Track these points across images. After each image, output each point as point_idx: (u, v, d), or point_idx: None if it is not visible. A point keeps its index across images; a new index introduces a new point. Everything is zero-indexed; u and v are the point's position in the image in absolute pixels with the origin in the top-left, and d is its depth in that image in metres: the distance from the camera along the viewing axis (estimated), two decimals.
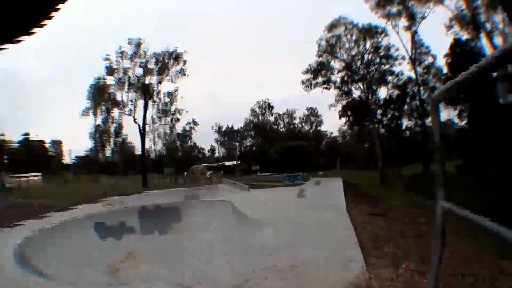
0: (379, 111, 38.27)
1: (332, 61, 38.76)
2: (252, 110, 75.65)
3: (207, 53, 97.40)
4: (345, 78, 38.47)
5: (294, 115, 77.38)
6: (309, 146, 63.32)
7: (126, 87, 40.14)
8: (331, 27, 37.61)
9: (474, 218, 1.53)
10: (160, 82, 41.20)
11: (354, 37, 37.60)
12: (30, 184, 37.31)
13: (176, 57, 41.29)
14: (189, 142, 67.26)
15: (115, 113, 44.26)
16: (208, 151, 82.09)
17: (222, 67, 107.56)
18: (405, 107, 38.17)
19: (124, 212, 12.18)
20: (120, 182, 38.72)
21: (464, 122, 26.36)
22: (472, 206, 1.63)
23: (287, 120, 77.62)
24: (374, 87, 38.34)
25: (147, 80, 40.28)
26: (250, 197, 17.60)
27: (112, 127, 49.84)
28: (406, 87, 37.54)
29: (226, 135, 77.78)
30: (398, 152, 36.60)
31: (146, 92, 39.92)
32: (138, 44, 39.64)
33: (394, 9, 33.96)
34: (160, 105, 43.27)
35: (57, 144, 67.91)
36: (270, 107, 76.27)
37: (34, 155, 57.58)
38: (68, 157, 66.48)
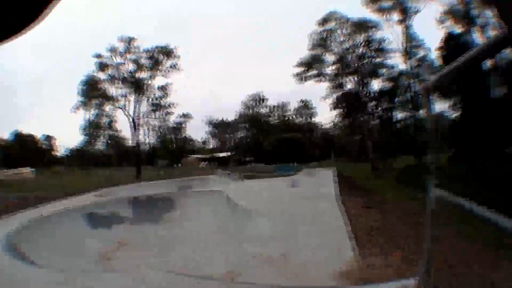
0: (372, 104, 38.37)
1: (325, 54, 38.75)
2: (244, 103, 75.45)
3: (207, 53, 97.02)
4: (338, 71, 38.50)
5: (288, 107, 77.34)
6: (302, 138, 63.38)
7: (118, 82, 40.19)
8: (324, 21, 37.51)
9: (464, 204, 1.55)
10: (152, 77, 41.23)
11: (346, 31, 37.60)
12: (23, 177, 37.15)
13: (168, 52, 41.24)
14: (182, 134, 67.03)
15: (107, 107, 44.23)
16: (201, 142, 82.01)
17: (222, 67, 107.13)
18: (398, 99, 38.26)
19: (116, 202, 12.17)
20: (113, 174, 38.59)
21: (456, 114, 26.47)
22: (462, 196, 1.65)
23: (280, 112, 77.48)
24: (366, 79, 38.39)
25: (139, 76, 40.30)
26: (243, 187, 17.59)
27: (104, 121, 49.61)
28: (399, 80, 37.60)
29: (218, 127, 77.63)
30: (390, 144, 36.73)
31: (138, 87, 39.93)
32: (130, 41, 39.63)
33: (386, 4, 33.93)
34: (153, 99, 43.34)
35: (49, 138, 67.62)
36: (263, 99, 76.09)
37: (27, 149, 57.46)
38: (60, 150, 66.34)
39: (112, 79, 40.27)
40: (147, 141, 57.46)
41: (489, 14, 25.71)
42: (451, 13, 29.01)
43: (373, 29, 36.47)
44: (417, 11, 33.08)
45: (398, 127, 39.33)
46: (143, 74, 40.99)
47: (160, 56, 41.18)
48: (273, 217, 10.68)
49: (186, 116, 58.73)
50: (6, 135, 59.94)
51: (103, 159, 60.50)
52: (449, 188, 1.65)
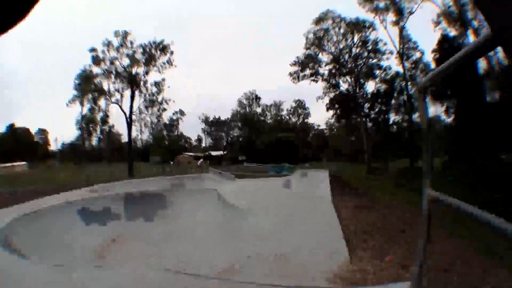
0: (367, 105, 38.56)
1: (320, 54, 38.97)
2: (239, 101, 75.52)
3: (206, 53, 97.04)
4: (333, 71, 38.72)
5: (281, 107, 77.46)
6: (296, 138, 63.46)
7: (113, 77, 40.11)
8: (319, 20, 37.67)
9: (459, 204, 1.53)
10: (147, 72, 41.19)
11: (342, 31, 37.81)
12: (16, 171, 36.99)
13: (163, 48, 41.20)
14: (176, 131, 66.98)
15: (102, 102, 44.20)
16: (195, 141, 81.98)
17: (221, 67, 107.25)
18: (393, 101, 38.46)
19: (109, 198, 12.09)
20: (106, 170, 38.44)
21: (451, 118, 26.63)
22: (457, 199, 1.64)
23: (274, 111, 77.61)
24: (362, 80, 38.60)
25: (134, 70, 40.22)
26: (236, 187, 17.55)
27: (99, 115, 49.48)
28: (394, 82, 37.80)
29: (213, 125, 77.69)
30: (385, 146, 36.91)
31: (133, 82, 39.87)
32: (125, 35, 39.60)
33: (381, 3, 34.12)
34: (147, 95, 43.35)
35: (43, 132, 67.29)
36: (258, 98, 76.16)
37: (20, 143, 57.12)
38: (54, 145, 66.11)
39: (106, 73, 40.12)
40: (141, 137, 57.53)
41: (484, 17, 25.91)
42: (446, 15, 29.20)
43: (369, 29, 36.66)
44: (410, 12, 33.25)
45: (393, 129, 39.52)
46: (137, 69, 40.97)
47: (154, 51, 41.14)
48: (267, 217, 10.67)
49: (180, 113, 58.81)
50: (0, 128, 59.59)
51: (97, 154, 60.31)
52: (444, 192, 1.63)
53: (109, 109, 45.84)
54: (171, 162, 52.23)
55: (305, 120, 76.61)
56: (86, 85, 40.98)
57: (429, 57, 33.80)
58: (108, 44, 39.62)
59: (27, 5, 0.61)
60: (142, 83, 41.58)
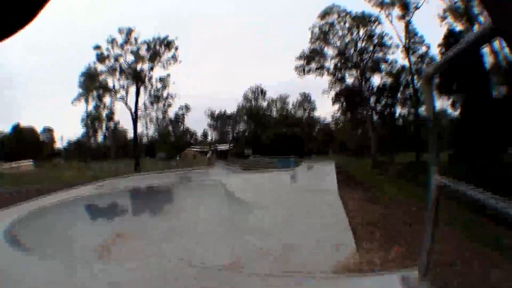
0: (373, 99, 38.43)
1: (325, 47, 38.81)
2: (245, 95, 75.35)
3: (207, 53, 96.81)
4: (339, 65, 38.56)
5: (287, 100, 77.15)
6: (302, 132, 63.33)
7: (117, 74, 40.21)
8: (324, 14, 37.53)
9: (466, 190, 1.54)
10: (152, 68, 41.20)
11: (347, 25, 37.65)
12: (22, 170, 37.18)
13: (168, 44, 41.17)
14: (182, 126, 67.00)
15: (107, 99, 44.45)
16: (201, 136, 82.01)
17: (222, 67, 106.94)
18: (399, 95, 38.31)
19: (115, 193, 12.17)
20: (112, 166, 38.57)
21: (457, 113, 26.47)
22: None
23: (279, 105, 77.30)
24: (367, 74, 38.43)
25: (138, 67, 40.26)
26: (242, 180, 17.57)
27: (104, 113, 49.73)
28: (400, 76, 37.63)
29: (219, 119, 77.64)
30: (391, 140, 36.78)
31: (137, 78, 39.94)
32: (129, 32, 39.60)
33: None
34: (152, 90, 43.46)
35: (48, 131, 67.53)
36: (263, 92, 75.93)
37: (26, 142, 57.39)
38: (59, 143, 66.37)
39: (111, 70, 40.22)
40: (146, 133, 57.70)
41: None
42: (452, 10, 28.96)
43: (374, 23, 36.49)
44: (416, 7, 33.03)
45: (399, 123, 39.39)
46: (142, 65, 41.01)
47: (159, 47, 41.15)
48: (274, 209, 10.70)
49: (185, 108, 58.84)
50: (5, 128, 59.94)
51: (103, 151, 60.53)
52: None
53: (114, 106, 46.15)
54: (177, 157, 52.32)
55: (311, 114, 76.31)
56: (91, 83, 41.18)
57: (435, 51, 33.57)
58: (112, 41, 39.72)
59: (34, 8, 0.63)
60: (147, 79, 41.73)
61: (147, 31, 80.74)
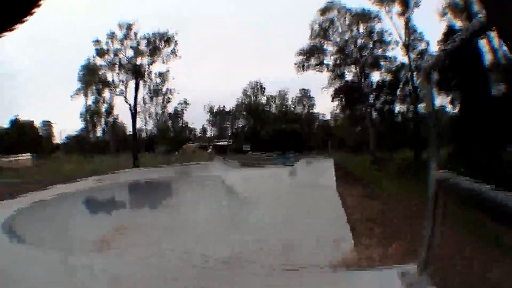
0: (372, 95, 38.41)
1: (325, 44, 38.75)
2: (244, 91, 75.16)
3: (207, 53, 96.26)
4: (338, 61, 38.53)
5: (286, 96, 76.95)
6: (301, 128, 63.28)
7: (117, 69, 40.12)
8: (324, 10, 37.41)
9: (467, 184, 1.55)
10: (151, 63, 41.12)
11: (347, 22, 37.60)
12: (21, 164, 37.18)
13: (168, 39, 41.04)
14: (181, 122, 66.91)
15: (106, 93, 44.37)
16: (200, 131, 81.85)
17: (222, 67, 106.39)
18: (398, 92, 38.27)
19: (115, 187, 12.18)
20: (111, 160, 38.57)
21: (455, 110, 26.42)
22: None
23: (279, 101, 77.10)
24: (367, 71, 38.42)
25: (138, 62, 40.20)
26: (241, 175, 17.60)
27: (103, 107, 49.65)
28: (399, 73, 37.58)
29: (218, 115, 77.47)
30: (390, 136, 36.75)
31: (137, 73, 39.86)
32: (129, 27, 39.44)
33: None
34: (152, 85, 43.37)
35: (47, 125, 67.33)
36: (262, 88, 75.75)
37: (25, 136, 57.18)
38: (58, 137, 66.19)
39: (110, 65, 40.13)
40: (146, 128, 57.62)
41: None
42: (451, 6, 28.91)
43: (374, 20, 36.45)
44: (416, 3, 32.98)
45: (399, 120, 39.38)
46: (142, 60, 40.87)
47: (159, 42, 41.00)
48: (273, 205, 10.71)
49: (185, 103, 58.74)
50: (5, 122, 59.73)
51: (102, 146, 60.42)
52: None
53: (114, 101, 46.07)
54: (177, 152, 52.33)
55: (310, 111, 76.14)
56: (90, 77, 41.11)
57: (435, 48, 33.52)
58: (112, 35, 39.58)
59: (32, 3, 0.63)
60: (146, 74, 41.65)
61: (147, 30, 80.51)
